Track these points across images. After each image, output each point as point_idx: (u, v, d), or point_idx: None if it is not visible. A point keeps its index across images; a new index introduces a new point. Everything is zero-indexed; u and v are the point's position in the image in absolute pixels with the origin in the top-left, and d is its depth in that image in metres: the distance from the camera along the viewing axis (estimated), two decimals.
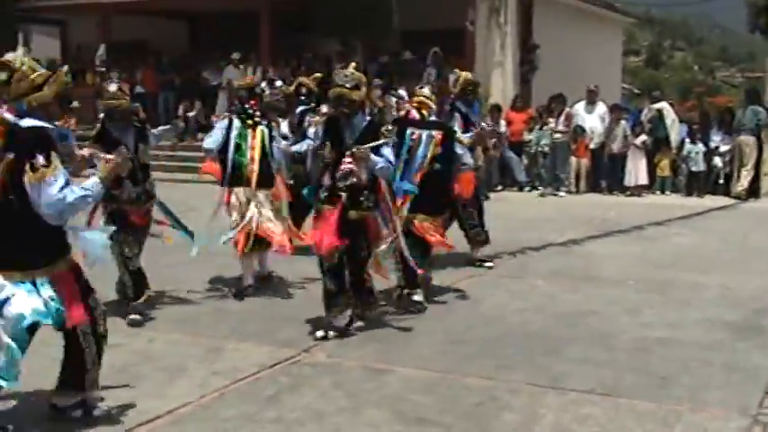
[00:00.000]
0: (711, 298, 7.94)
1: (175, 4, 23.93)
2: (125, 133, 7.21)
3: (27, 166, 4.44)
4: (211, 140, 8.15)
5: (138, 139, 7.31)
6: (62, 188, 4.48)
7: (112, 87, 7.29)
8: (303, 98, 9.94)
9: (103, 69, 21.47)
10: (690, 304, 7.69)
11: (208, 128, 19.88)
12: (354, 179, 6.41)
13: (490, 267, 9.33)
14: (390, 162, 6.57)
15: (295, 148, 7.66)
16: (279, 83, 19.19)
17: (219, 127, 8.20)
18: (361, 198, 6.56)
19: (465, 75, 9.78)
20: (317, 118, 9.38)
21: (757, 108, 15.70)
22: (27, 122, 4.53)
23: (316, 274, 7.10)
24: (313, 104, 9.80)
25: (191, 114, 20.47)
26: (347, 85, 6.52)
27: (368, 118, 6.78)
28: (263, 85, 19.36)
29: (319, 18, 18.55)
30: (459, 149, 8.05)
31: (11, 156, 4.49)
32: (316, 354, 6.25)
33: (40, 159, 4.44)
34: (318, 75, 10.66)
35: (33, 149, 4.48)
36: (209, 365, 5.97)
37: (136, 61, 22.38)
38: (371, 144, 6.42)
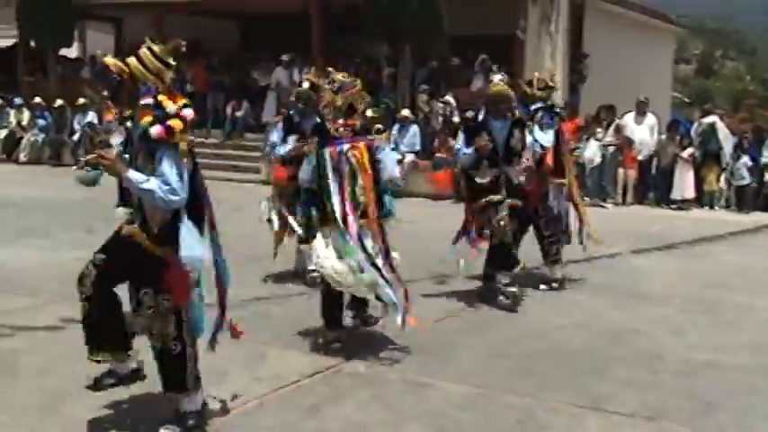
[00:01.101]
0: (759, 321, 7.83)
1: (228, 5, 24.13)
2: None
3: None
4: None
5: None
6: None
7: None
8: None
9: None
10: (737, 327, 7.59)
11: (255, 128, 20.24)
12: None
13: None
14: None
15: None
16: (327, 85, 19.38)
17: None
18: None
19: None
20: None
21: None
22: None
23: None
24: None
25: (239, 114, 20.67)
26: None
27: None
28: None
29: (369, 22, 18.58)
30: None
31: None
32: (356, 364, 6.26)
33: None
34: None
35: None
36: (250, 372, 6.00)
37: (187, 60, 22.57)
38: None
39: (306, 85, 8.67)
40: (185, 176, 4.63)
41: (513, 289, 8.14)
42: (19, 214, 12.85)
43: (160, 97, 4.61)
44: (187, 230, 4.69)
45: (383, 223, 6.59)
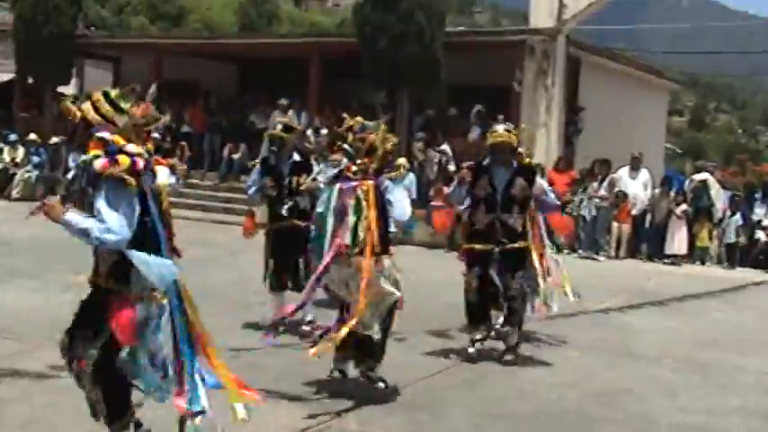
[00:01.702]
0: (750, 384, 7.83)
1: (226, 48, 24.35)
2: None
3: None
4: None
5: None
6: None
7: None
8: None
9: (154, 107, 21.80)
10: (728, 389, 7.59)
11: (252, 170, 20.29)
12: None
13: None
14: None
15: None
16: (324, 131, 19.51)
17: None
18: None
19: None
20: None
21: None
22: None
23: None
24: None
25: (235, 156, 20.74)
26: None
27: None
28: (308, 132, 19.69)
29: (367, 68, 18.74)
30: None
31: None
32: (347, 421, 6.23)
33: None
34: None
35: None
36: (237, 426, 5.95)
37: (185, 101, 22.71)
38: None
39: (279, 127, 8.94)
40: (130, 214, 4.49)
41: (471, 350, 8.04)
42: (8, 253, 12.60)
43: (114, 137, 4.57)
44: (141, 260, 4.53)
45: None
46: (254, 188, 8.97)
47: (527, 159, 8.38)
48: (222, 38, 31.01)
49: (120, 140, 4.57)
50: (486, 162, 8.16)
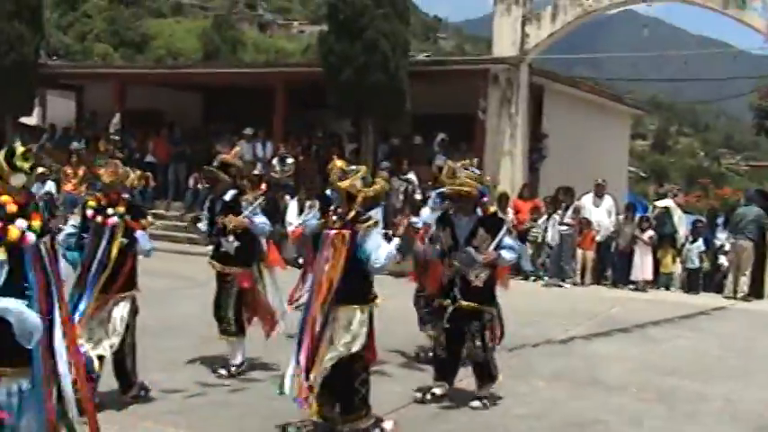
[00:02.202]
0: (714, 411, 7.91)
1: (191, 78, 24.31)
2: None
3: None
4: None
5: None
6: None
7: None
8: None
9: (117, 138, 21.76)
10: (693, 418, 7.66)
11: None
12: None
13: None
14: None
15: None
16: (290, 160, 19.54)
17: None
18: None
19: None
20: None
21: (757, 211, 15.68)
22: None
23: None
24: None
25: (201, 186, 20.65)
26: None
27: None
28: (274, 161, 19.72)
29: (332, 98, 18.82)
30: None
31: None
32: None
33: None
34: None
35: None
36: None
37: (148, 130, 22.64)
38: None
39: (215, 163, 8.44)
40: None
41: (436, 391, 7.89)
42: None
43: (3, 198, 4.45)
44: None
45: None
46: (204, 222, 8.66)
47: (492, 208, 7.98)
48: (187, 67, 30.99)
49: (7, 200, 4.44)
50: (450, 212, 7.83)
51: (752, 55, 21.57)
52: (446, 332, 7.68)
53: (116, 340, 7.00)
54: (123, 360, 7.15)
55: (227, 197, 8.32)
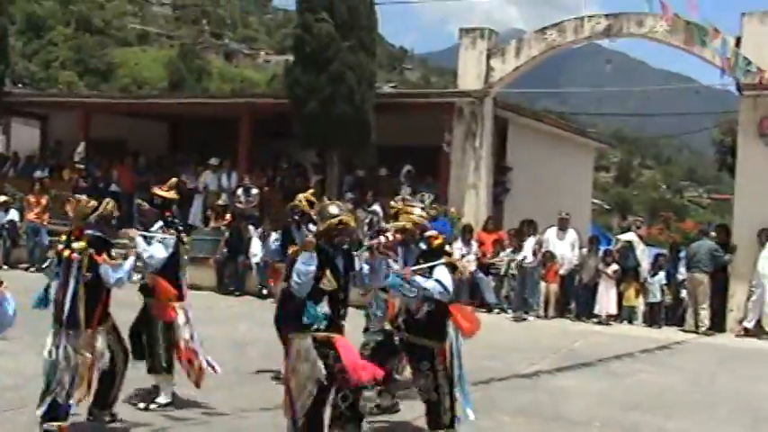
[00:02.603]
0: None
1: (156, 107, 24.21)
2: None
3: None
4: None
5: None
6: None
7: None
8: (297, 218, 9.88)
9: (82, 166, 21.61)
10: None
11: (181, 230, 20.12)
12: None
13: None
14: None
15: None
16: (254, 191, 19.50)
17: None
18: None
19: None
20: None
21: (709, 245, 15.88)
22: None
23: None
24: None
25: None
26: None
27: None
28: (239, 191, 19.68)
29: (297, 129, 18.81)
30: None
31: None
32: None
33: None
34: (311, 191, 10.64)
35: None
36: None
37: (113, 159, 22.50)
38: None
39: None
40: None
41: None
42: None
43: None
44: None
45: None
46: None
47: (437, 242, 7.36)
48: (152, 97, 30.93)
49: None
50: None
51: (714, 90, 21.92)
52: (380, 345, 7.67)
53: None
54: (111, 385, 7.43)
55: (153, 228, 8.32)
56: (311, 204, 9.64)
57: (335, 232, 6.45)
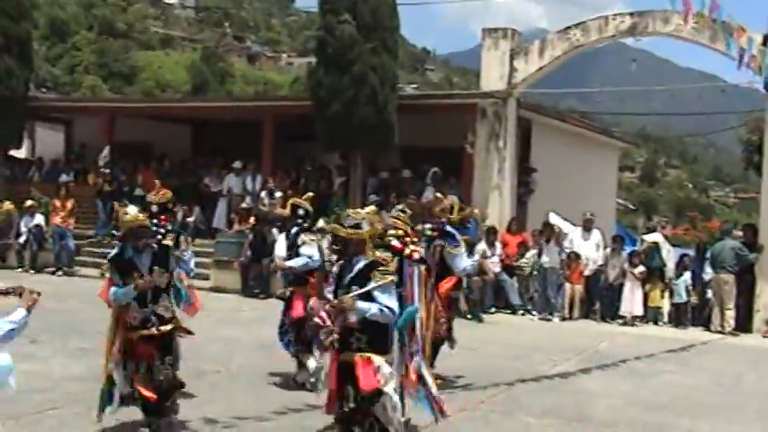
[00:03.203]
0: None
1: (179, 111, 24.33)
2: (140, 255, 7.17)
3: None
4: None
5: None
6: None
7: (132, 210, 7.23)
8: (300, 219, 9.95)
9: (107, 171, 21.76)
10: None
11: (206, 233, 20.26)
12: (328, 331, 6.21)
13: None
14: (387, 308, 6.05)
15: (290, 263, 9.36)
16: (278, 193, 19.55)
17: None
18: (352, 340, 6.10)
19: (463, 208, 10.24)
20: (312, 236, 9.66)
21: (732, 244, 15.78)
22: None
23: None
24: (306, 224, 9.83)
25: (189, 219, 20.63)
26: (346, 224, 6.29)
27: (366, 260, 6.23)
28: (263, 194, 19.74)
29: (321, 131, 18.86)
30: None
31: None
32: None
33: None
34: (310, 194, 10.69)
35: None
36: None
37: (138, 163, 22.66)
38: (357, 292, 6.06)
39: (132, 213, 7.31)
40: None
41: None
42: None
43: None
44: None
45: None
46: None
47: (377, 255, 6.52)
48: (175, 100, 31.10)
49: None
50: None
51: (741, 88, 21.73)
52: None
53: None
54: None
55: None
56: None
57: (135, 234, 7.00)
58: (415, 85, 76.07)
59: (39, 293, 5.09)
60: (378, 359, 6.06)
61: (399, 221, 7.75)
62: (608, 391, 10.18)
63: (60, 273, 18.92)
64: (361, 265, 6.17)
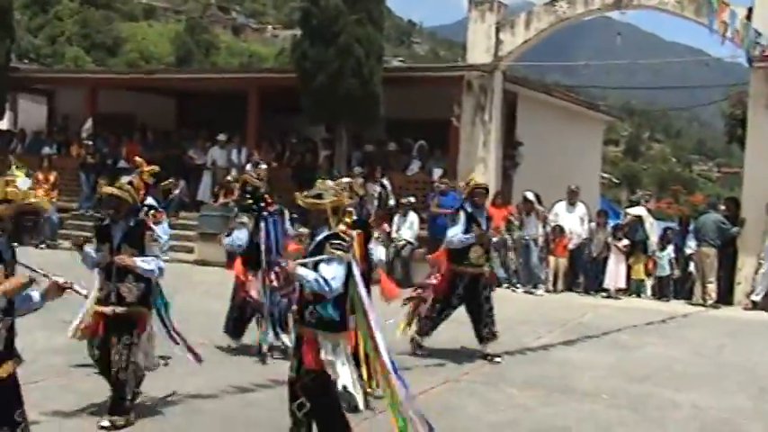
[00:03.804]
0: (684, 419, 7.97)
1: (163, 83, 24.15)
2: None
3: None
4: None
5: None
6: None
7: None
8: (247, 195, 9.99)
9: (90, 142, 21.61)
10: (662, 425, 7.72)
11: (190, 206, 20.19)
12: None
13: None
14: (323, 279, 5.83)
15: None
16: (263, 166, 19.47)
17: None
18: (306, 313, 6.03)
19: (475, 178, 10.35)
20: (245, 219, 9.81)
21: (715, 218, 15.89)
22: None
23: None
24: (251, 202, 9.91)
25: (174, 192, 20.54)
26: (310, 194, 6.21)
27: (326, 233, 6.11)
28: (248, 167, 19.65)
29: (306, 103, 18.77)
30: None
31: None
32: None
33: None
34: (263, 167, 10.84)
35: None
36: None
37: (121, 135, 22.51)
38: (302, 261, 5.98)
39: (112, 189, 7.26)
40: None
41: None
42: None
43: None
44: None
45: None
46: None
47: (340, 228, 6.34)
48: (159, 72, 30.85)
49: None
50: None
51: (724, 62, 21.78)
52: None
53: None
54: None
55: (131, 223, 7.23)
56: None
57: (106, 204, 7.20)
58: (401, 58, 75.74)
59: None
60: (324, 342, 5.95)
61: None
62: (591, 363, 10.27)
63: (43, 246, 18.84)
64: (320, 237, 6.08)
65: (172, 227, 15.67)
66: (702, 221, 15.86)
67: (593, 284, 16.42)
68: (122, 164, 21.00)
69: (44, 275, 4.88)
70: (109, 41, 72.42)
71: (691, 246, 16.28)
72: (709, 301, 15.38)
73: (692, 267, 16.17)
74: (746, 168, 16.54)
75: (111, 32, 73.64)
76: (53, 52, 64.89)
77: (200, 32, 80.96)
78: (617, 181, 74.04)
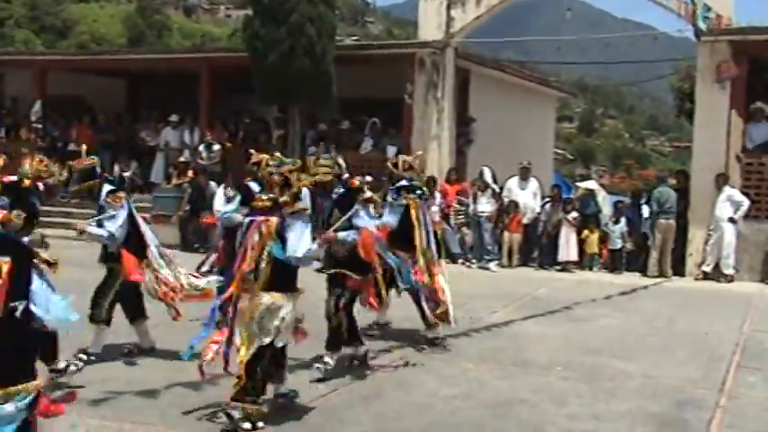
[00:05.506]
0: (636, 388, 8.08)
1: (114, 65, 23.87)
2: None
3: None
4: None
5: None
6: None
7: None
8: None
9: (39, 126, 21.33)
10: (615, 395, 7.82)
11: (143, 188, 20.04)
12: None
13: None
14: None
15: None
16: (216, 146, 19.38)
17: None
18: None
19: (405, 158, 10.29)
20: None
21: (670, 191, 16.11)
22: None
23: None
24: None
25: (126, 174, 20.38)
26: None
27: None
28: (201, 147, 19.53)
29: (258, 83, 18.66)
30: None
31: None
32: None
33: None
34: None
35: None
36: None
37: (71, 118, 22.23)
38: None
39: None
40: None
41: (328, 360, 8.13)
42: None
43: None
44: None
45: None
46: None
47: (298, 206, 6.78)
48: (109, 53, 30.47)
49: None
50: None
51: (673, 37, 21.96)
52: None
53: None
54: None
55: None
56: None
57: None
58: (355, 38, 75.11)
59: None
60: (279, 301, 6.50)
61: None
62: (545, 336, 10.38)
63: None
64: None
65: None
66: (666, 195, 16.01)
67: (548, 259, 16.57)
68: (73, 147, 20.77)
69: None
70: (59, 24, 71.40)
71: (648, 217, 16.42)
72: (670, 273, 15.61)
73: (650, 240, 16.27)
74: (695, 141, 16.75)
75: (61, 14, 72.57)
76: (1, 35, 63.82)
77: (152, 14, 80.00)
78: (571, 157, 74.62)
